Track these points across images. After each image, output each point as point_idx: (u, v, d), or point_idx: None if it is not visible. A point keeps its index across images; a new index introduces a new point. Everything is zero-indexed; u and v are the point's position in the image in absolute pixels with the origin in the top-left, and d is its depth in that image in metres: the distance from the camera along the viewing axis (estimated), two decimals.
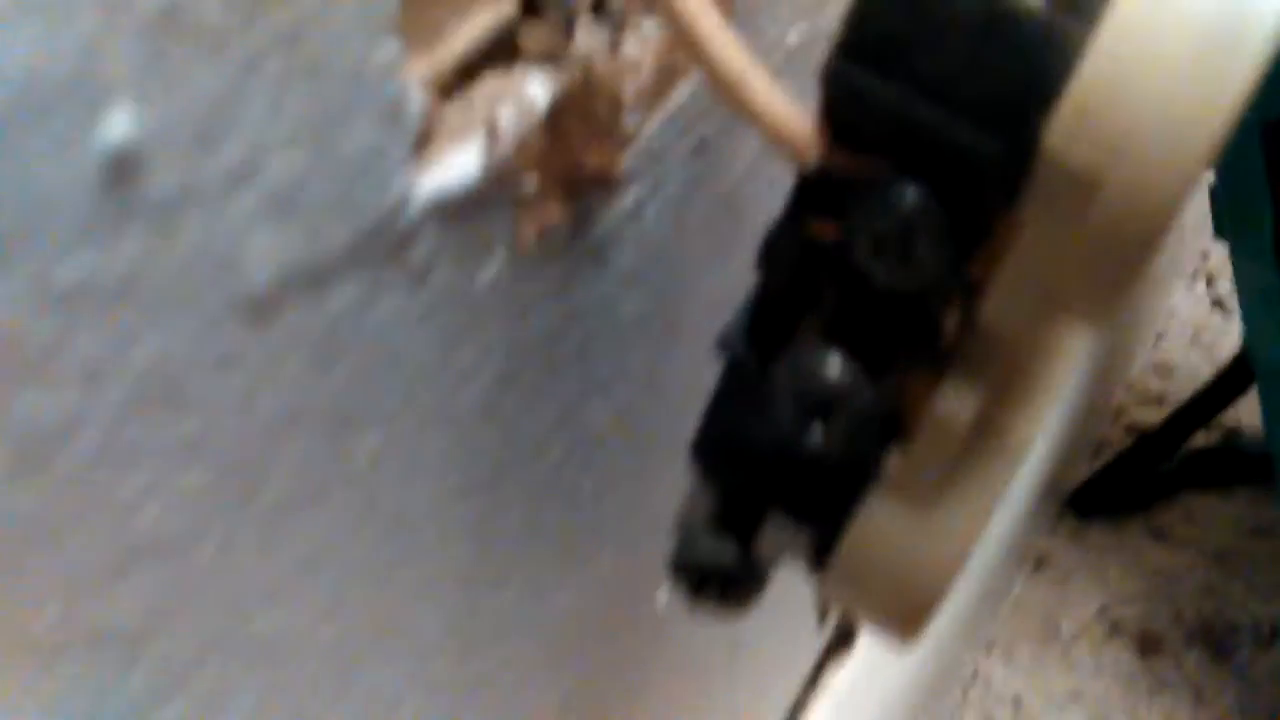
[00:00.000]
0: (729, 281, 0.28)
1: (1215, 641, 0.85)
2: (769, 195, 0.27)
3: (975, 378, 0.27)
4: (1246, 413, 0.88)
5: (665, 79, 0.33)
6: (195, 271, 0.22)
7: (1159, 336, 1.03)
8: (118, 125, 0.20)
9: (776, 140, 0.26)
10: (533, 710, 0.41)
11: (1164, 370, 1.01)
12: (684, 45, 0.27)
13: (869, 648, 0.70)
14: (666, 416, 0.38)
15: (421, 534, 0.32)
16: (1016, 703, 0.83)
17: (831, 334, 0.27)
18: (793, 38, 0.39)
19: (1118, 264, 0.24)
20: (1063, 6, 0.23)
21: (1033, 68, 0.23)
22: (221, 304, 0.23)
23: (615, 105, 0.31)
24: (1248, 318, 0.62)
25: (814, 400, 0.26)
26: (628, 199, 0.34)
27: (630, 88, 0.31)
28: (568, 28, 0.29)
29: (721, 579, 0.29)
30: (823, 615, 0.62)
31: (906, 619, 0.29)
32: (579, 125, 0.30)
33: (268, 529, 0.26)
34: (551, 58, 0.29)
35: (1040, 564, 0.88)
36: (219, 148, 0.22)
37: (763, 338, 0.28)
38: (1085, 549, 0.90)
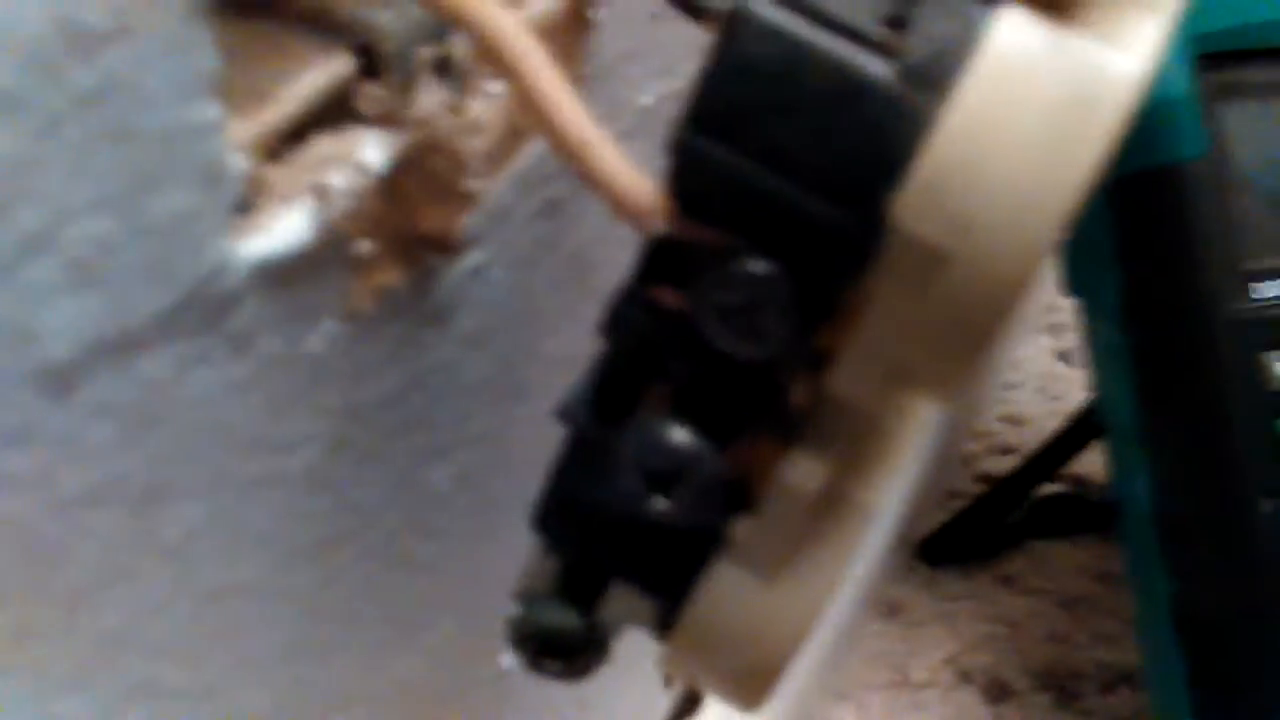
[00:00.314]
0: (577, 343, 0.27)
1: (1062, 687, 0.86)
2: (620, 257, 0.26)
3: (823, 446, 0.27)
4: (1091, 462, 0.89)
5: (512, 140, 0.32)
6: None
7: (1008, 387, 1.04)
8: None
9: (621, 208, 0.26)
10: None
11: (1013, 421, 1.02)
12: (525, 109, 0.26)
13: (721, 703, 0.70)
14: (511, 479, 0.37)
15: (243, 608, 0.30)
16: None
17: (677, 402, 0.27)
18: (646, 98, 0.39)
19: (963, 339, 0.24)
20: (915, 80, 0.23)
21: (882, 141, 0.23)
22: (14, 376, 0.22)
23: (456, 167, 0.30)
24: (1098, 377, 0.63)
25: (658, 470, 0.26)
26: (471, 261, 0.33)
27: (474, 149, 0.30)
28: (408, 88, 0.28)
29: (563, 647, 0.29)
30: (667, 682, 0.62)
31: (751, 687, 0.29)
32: (418, 187, 0.29)
33: (68, 611, 0.25)
34: (389, 119, 0.28)
35: (892, 612, 0.89)
36: (11, 215, 0.20)
37: (606, 405, 0.27)
38: (936, 597, 0.90)
